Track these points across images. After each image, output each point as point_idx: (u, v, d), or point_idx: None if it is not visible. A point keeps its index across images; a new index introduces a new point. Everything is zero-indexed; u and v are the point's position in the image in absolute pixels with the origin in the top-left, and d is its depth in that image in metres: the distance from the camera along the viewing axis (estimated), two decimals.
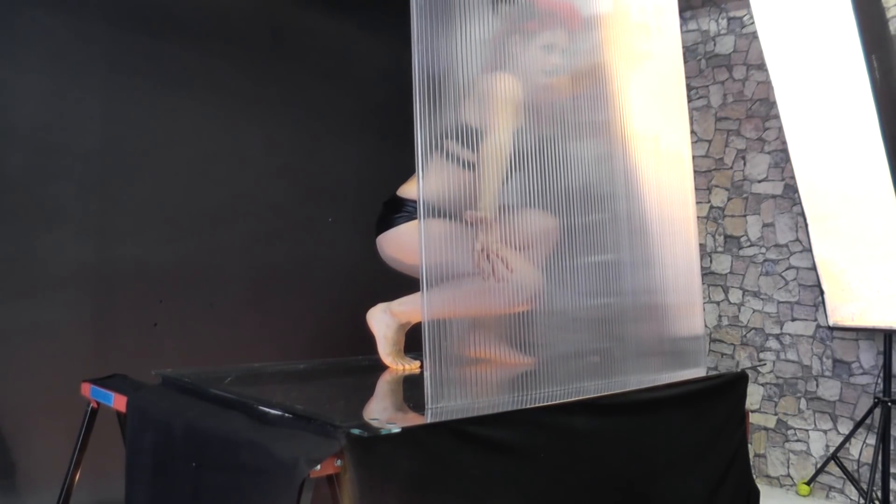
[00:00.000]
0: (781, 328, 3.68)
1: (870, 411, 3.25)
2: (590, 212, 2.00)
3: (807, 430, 3.59)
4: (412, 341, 2.27)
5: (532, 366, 1.81)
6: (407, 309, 2.12)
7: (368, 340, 2.50)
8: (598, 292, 2.01)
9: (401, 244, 2.05)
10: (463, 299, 1.68)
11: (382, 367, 2.22)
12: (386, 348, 2.19)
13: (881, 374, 3.26)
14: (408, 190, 2.06)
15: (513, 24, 1.92)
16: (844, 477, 3.39)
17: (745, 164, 3.82)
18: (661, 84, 2.36)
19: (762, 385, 3.73)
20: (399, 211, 2.07)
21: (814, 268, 3.28)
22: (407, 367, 2.17)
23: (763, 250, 3.75)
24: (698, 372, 2.25)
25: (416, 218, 1.85)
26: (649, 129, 2.27)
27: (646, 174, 2.24)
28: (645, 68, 2.28)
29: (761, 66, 3.64)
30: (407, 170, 2.00)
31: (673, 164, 2.35)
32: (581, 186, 1.99)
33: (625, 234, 2.13)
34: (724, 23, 3.92)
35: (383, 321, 2.18)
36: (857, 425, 3.30)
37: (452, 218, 1.69)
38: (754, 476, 2.42)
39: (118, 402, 1.86)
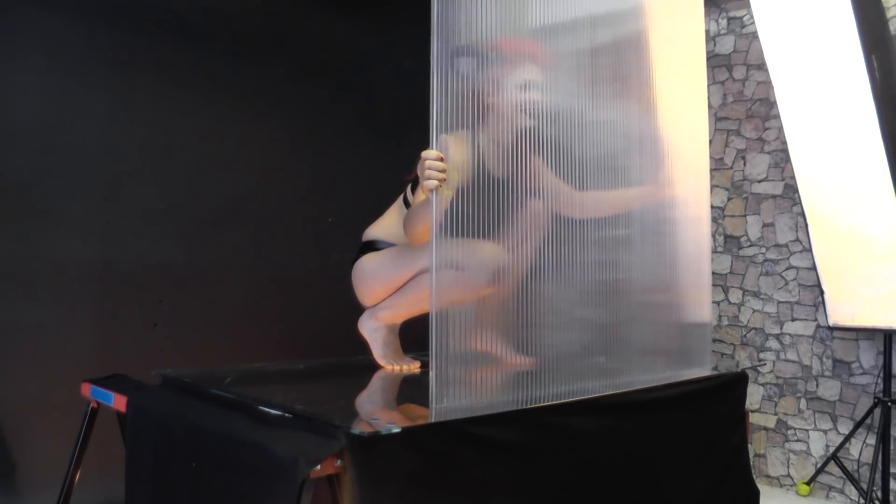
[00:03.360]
0: (781, 328, 3.68)
1: (870, 411, 3.25)
2: (601, 209, 2.00)
3: (807, 430, 3.59)
4: (415, 341, 2.27)
5: (532, 366, 1.81)
6: (388, 312, 2.18)
7: None
8: (606, 292, 2.01)
9: (354, 282, 2.24)
10: (424, 298, 1.80)
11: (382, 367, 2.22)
12: (378, 351, 2.22)
13: (881, 374, 3.26)
14: (368, 232, 2.25)
15: (480, 75, 1.79)
16: (844, 477, 3.39)
17: (745, 164, 3.82)
18: (680, 81, 2.35)
19: (762, 385, 3.73)
20: (358, 253, 2.24)
21: (814, 268, 3.28)
22: (405, 367, 2.17)
23: (763, 250, 3.75)
24: (703, 371, 2.25)
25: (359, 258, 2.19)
26: (667, 126, 2.26)
27: (661, 172, 2.24)
28: (666, 63, 2.27)
29: (761, 66, 3.64)
30: (410, 169, 2.00)
31: (689, 162, 2.35)
32: (594, 183, 1.99)
33: (637, 234, 2.12)
34: (724, 23, 3.92)
35: (369, 326, 2.24)
36: (857, 425, 3.30)
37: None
38: (754, 476, 2.42)
39: (118, 402, 1.86)
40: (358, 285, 2.21)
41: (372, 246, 2.21)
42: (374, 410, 1.76)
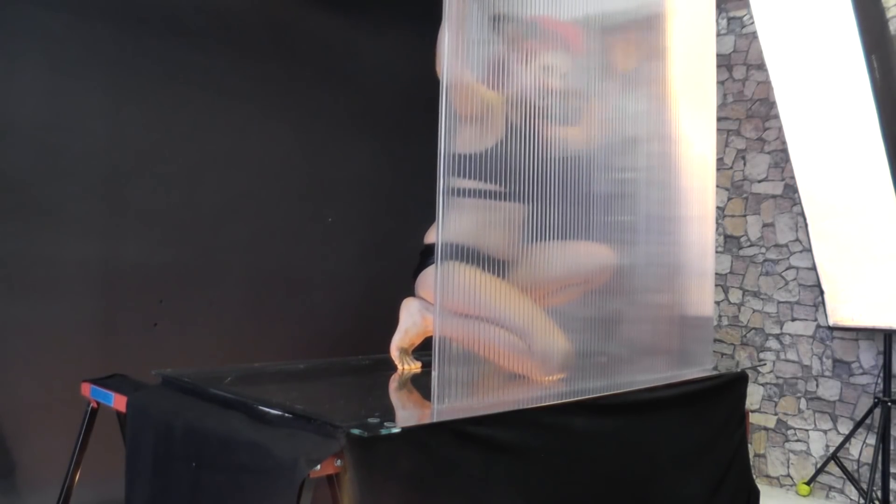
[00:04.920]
0: (781, 328, 3.68)
1: (870, 411, 3.25)
2: (608, 210, 2.00)
3: (807, 430, 3.59)
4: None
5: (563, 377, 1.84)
6: None
7: (368, 340, 2.50)
8: (607, 291, 2.01)
9: (427, 288, 2.07)
10: (489, 349, 1.73)
11: (382, 367, 2.22)
12: (399, 341, 2.18)
13: (881, 374, 3.26)
14: (433, 235, 1.90)
15: (513, 42, 1.91)
16: (844, 477, 3.39)
17: (745, 164, 3.82)
18: (688, 82, 2.35)
19: (762, 385, 3.73)
20: (431, 256, 2.04)
21: (814, 268, 3.28)
22: (407, 367, 2.17)
23: (763, 250, 3.75)
24: (704, 371, 2.25)
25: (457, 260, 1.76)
26: (675, 122, 2.26)
27: (666, 172, 2.24)
28: (675, 64, 2.27)
29: (761, 66, 3.64)
30: (407, 170, 2.00)
31: (695, 163, 2.35)
32: (599, 185, 1.99)
33: (640, 233, 2.12)
34: (724, 23, 3.92)
35: (412, 319, 2.16)
36: (857, 425, 3.30)
37: (482, 262, 1.70)
38: (754, 476, 2.42)
39: (118, 402, 1.85)
40: (430, 292, 2.01)
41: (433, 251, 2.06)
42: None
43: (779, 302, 3.69)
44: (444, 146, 1.56)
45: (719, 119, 3.91)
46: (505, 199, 1.80)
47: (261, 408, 1.55)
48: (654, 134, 2.20)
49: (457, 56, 1.60)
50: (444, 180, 1.56)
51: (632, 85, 2.11)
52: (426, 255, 2.07)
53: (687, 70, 2.33)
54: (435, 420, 1.45)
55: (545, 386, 1.82)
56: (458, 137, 1.73)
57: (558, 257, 1.86)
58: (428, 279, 2.05)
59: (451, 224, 1.65)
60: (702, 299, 2.35)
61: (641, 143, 2.16)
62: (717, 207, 3.91)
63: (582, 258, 1.90)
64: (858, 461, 3.39)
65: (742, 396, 2.25)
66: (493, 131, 1.81)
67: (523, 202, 1.81)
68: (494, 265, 1.74)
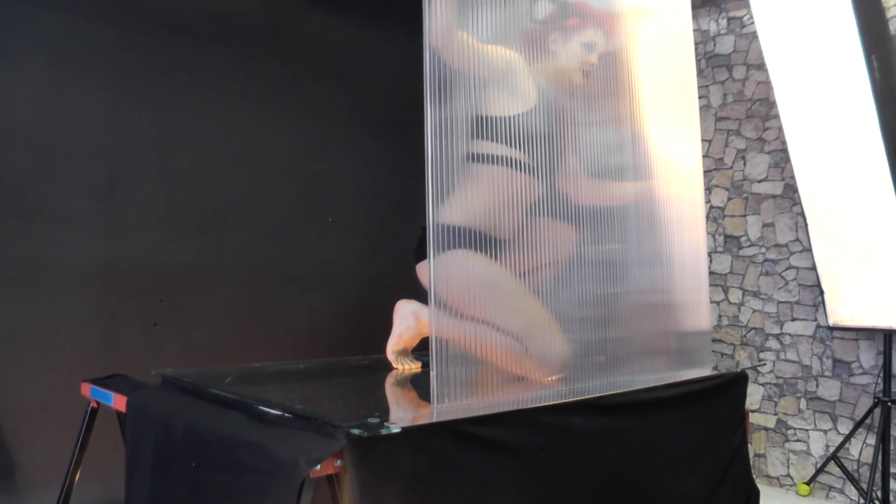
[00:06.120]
0: (781, 328, 3.68)
1: (870, 411, 3.25)
2: (598, 210, 2.01)
3: (807, 430, 3.59)
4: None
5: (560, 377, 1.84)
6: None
7: (368, 340, 2.50)
8: (604, 292, 2.01)
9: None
10: (486, 350, 1.70)
11: (382, 367, 2.22)
12: (395, 346, 2.18)
13: (881, 374, 3.26)
14: (446, 213, 1.66)
15: (553, 22, 1.96)
16: (844, 477, 3.39)
17: (745, 164, 3.82)
18: (672, 83, 2.35)
19: (762, 385, 3.73)
20: (423, 234, 1.99)
21: (813, 268, 3.28)
22: (407, 367, 2.17)
23: (763, 250, 3.75)
24: (704, 371, 2.25)
25: (458, 247, 1.67)
26: (660, 127, 2.27)
27: (655, 172, 2.24)
28: (657, 66, 2.27)
29: (761, 66, 3.64)
30: (409, 169, 1.99)
31: (682, 162, 2.35)
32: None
33: (633, 233, 2.13)
34: (724, 23, 3.92)
35: (406, 322, 2.16)
36: (857, 425, 3.30)
37: (482, 243, 1.68)
38: (754, 476, 2.42)
39: (118, 402, 1.86)
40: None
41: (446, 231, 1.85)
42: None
43: (779, 302, 3.69)
44: (430, 112, 1.54)
45: (719, 119, 3.91)
46: (525, 171, 1.80)
47: (261, 408, 1.55)
48: (639, 135, 2.20)
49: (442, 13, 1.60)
50: (433, 141, 1.54)
51: (614, 88, 2.11)
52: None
53: (668, 70, 2.33)
54: (434, 420, 1.45)
55: (545, 386, 1.82)
56: (483, 98, 1.77)
57: (544, 235, 1.85)
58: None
59: (460, 196, 1.66)
60: (698, 299, 2.36)
61: (627, 144, 2.16)
62: (718, 207, 3.91)
63: (555, 237, 1.88)
64: (858, 461, 3.39)
65: (742, 396, 2.25)
66: (522, 97, 1.81)
67: (540, 177, 1.81)
68: (494, 245, 1.73)
